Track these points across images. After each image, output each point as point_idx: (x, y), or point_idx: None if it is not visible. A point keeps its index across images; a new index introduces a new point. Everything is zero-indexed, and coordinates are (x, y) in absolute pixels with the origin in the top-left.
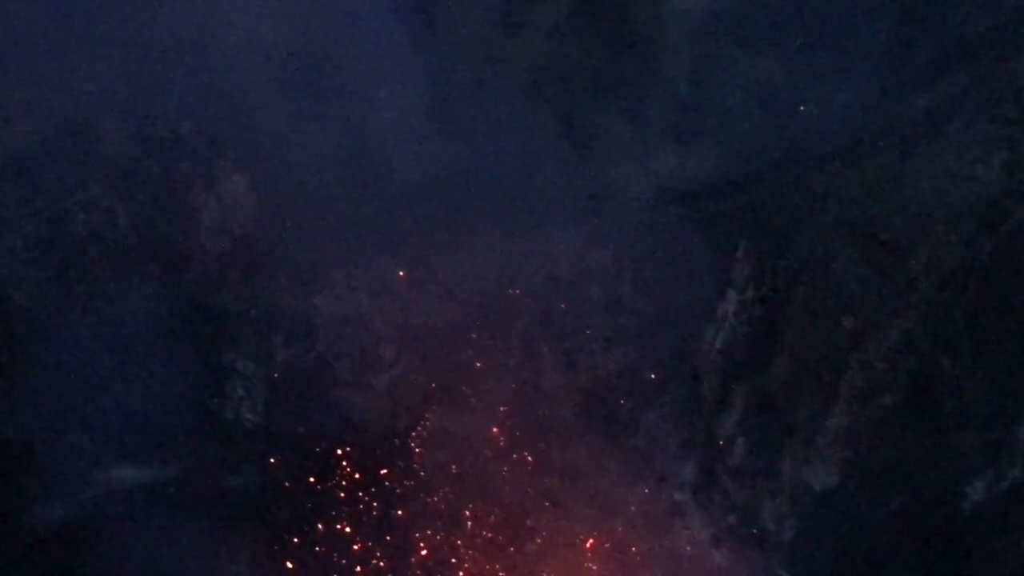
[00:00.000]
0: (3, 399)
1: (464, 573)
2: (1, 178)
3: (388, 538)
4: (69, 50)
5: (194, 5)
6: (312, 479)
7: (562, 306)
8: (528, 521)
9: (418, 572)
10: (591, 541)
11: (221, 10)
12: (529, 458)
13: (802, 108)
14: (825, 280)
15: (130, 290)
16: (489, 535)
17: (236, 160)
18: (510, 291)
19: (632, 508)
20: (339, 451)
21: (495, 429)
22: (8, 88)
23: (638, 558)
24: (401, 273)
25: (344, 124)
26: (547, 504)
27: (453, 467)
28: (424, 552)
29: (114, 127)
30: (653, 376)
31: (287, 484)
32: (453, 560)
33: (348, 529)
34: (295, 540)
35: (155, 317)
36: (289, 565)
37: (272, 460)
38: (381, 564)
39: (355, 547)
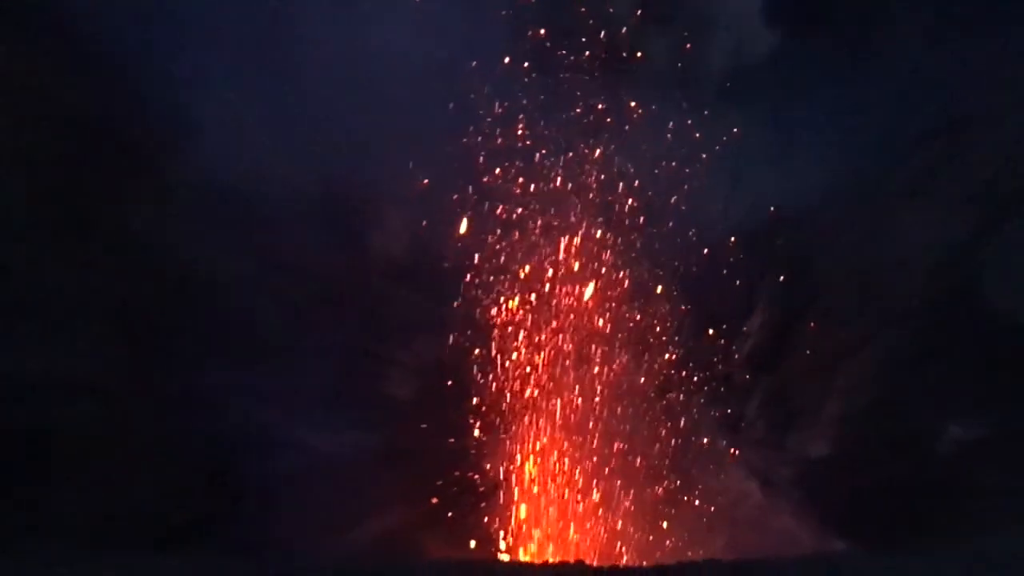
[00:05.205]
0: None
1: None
2: None
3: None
4: None
5: None
6: None
7: (599, 323)
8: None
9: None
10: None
11: None
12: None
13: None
14: (830, 304)
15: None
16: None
17: None
18: None
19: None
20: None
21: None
22: None
23: None
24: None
25: None
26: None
27: (557, 309)
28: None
29: None
30: (695, 379)
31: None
32: (535, 374)
33: None
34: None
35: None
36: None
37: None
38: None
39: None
